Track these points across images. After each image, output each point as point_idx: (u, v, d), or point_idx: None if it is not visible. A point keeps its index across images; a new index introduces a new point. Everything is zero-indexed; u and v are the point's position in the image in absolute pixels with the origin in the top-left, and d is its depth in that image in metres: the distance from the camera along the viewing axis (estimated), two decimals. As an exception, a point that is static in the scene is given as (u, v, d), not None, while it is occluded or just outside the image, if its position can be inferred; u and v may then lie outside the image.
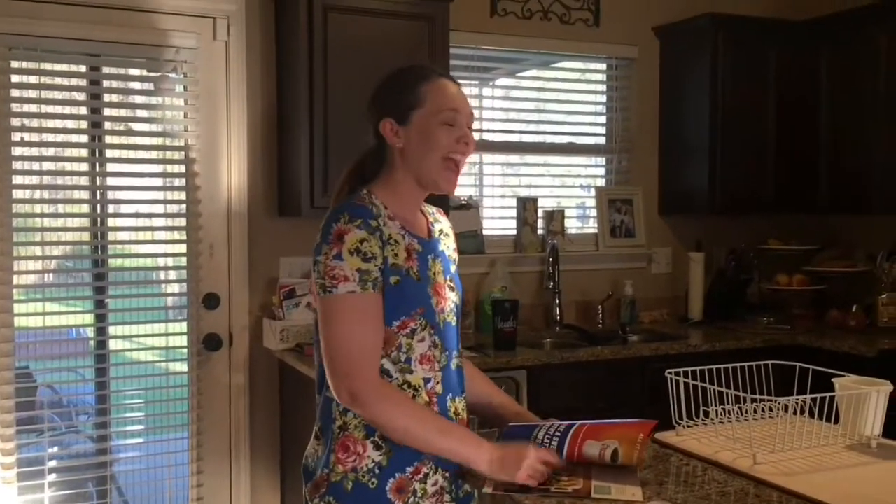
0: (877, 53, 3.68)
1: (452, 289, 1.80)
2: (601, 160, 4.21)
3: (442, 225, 1.88)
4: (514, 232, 3.90)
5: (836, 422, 1.90)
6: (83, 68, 3.18)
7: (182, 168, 3.28)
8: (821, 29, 3.92)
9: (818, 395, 1.85)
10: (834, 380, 1.91)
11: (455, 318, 1.80)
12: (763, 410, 1.99)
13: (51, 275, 3.28)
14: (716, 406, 1.91)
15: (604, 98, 4.18)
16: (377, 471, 1.66)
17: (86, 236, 3.24)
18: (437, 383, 1.72)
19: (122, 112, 3.29)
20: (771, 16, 4.08)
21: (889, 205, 3.67)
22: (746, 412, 1.93)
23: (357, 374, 1.62)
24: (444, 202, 3.29)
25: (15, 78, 3.03)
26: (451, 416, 1.74)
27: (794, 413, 1.92)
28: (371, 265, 1.63)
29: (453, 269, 1.85)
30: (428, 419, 1.65)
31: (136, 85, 3.32)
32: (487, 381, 1.97)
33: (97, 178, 3.19)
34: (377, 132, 1.75)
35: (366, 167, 1.80)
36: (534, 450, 1.63)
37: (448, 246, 1.86)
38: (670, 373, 1.92)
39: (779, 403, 1.89)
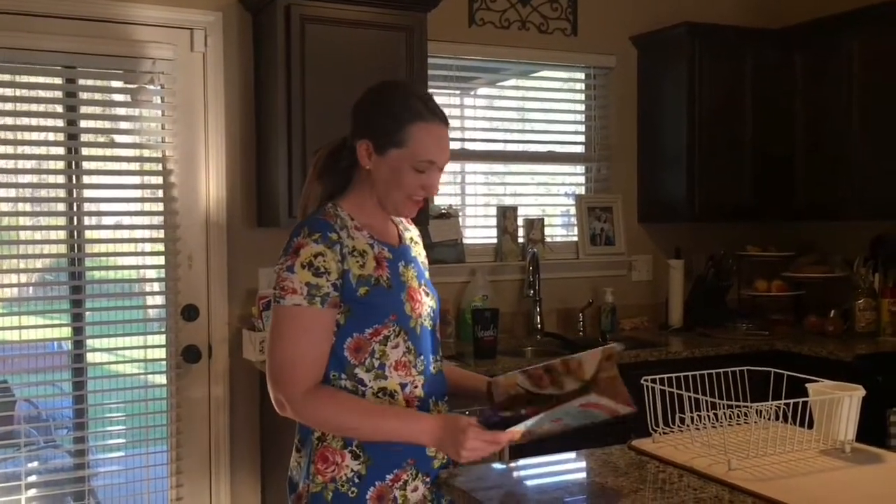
0: (850, 60, 3.72)
1: (427, 294, 1.81)
2: (581, 168, 4.23)
3: (412, 233, 1.90)
4: (495, 240, 3.91)
5: (811, 427, 1.91)
6: (59, 80, 3.17)
7: (160, 179, 3.27)
8: (796, 37, 3.97)
9: (791, 401, 1.87)
10: (808, 385, 1.92)
11: (432, 323, 1.81)
12: (738, 416, 2.00)
13: (28, 287, 3.25)
14: (692, 413, 1.91)
15: (582, 107, 4.20)
16: (356, 480, 1.67)
17: (63, 248, 3.21)
18: (417, 387, 1.73)
19: (100, 124, 3.28)
20: (746, 24, 4.13)
21: (865, 210, 3.71)
22: (721, 418, 1.94)
23: (285, 383, 1.65)
24: (423, 210, 3.30)
25: (-10, 90, 3.01)
26: None
27: (769, 419, 1.93)
28: (322, 280, 1.65)
29: (427, 275, 1.86)
30: (362, 408, 1.66)
31: (113, 97, 3.31)
32: (454, 368, 2.00)
33: (74, 190, 3.17)
34: (353, 144, 1.76)
35: (341, 163, 1.79)
36: (473, 431, 1.63)
37: (419, 253, 1.89)
38: (646, 380, 1.93)
39: (753, 409, 1.90)
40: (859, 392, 1.87)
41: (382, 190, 1.74)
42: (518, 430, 1.64)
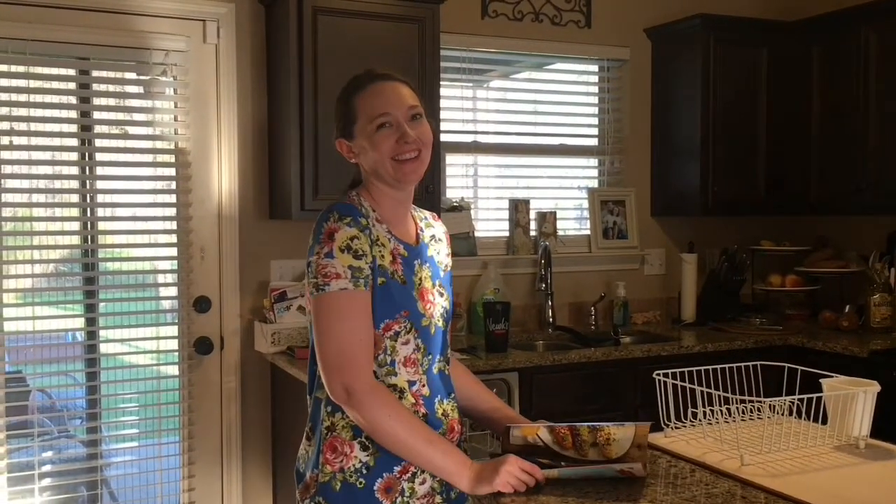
0: (867, 53, 3.68)
1: (442, 294, 1.80)
2: (594, 161, 4.21)
3: (434, 231, 1.88)
4: (507, 234, 3.90)
5: (825, 422, 1.89)
6: (73, 72, 3.18)
7: (172, 171, 3.27)
8: (811, 29, 3.93)
9: (805, 396, 1.85)
10: (822, 380, 1.91)
11: (444, 323, 1.79)
12: (751, 411, 1.99)
13: (42, 278, 3.27)
14: (705, 407, 1.90)
15: (596, 99, 4.18)
16: (364, 471, 1.66)
17: (76, 240, 3.23)
18: (424, 386, 1.72)
19: (113, 115, 3.29)
20: (762, 16, 4.09)
21: (880, 205, 3.68)
22: (734, 413, 1.92)
23: (351, 368, 1.62)
24: (435, 204, 3.30)
25: (4, 81, 3.02)
26: (438, 417, 1.73)
27: (783, 414, 1.92)
28: (362, 262, 1.64)
29: (443, 274, 1.84)
30: (416, 427, 1.64)
31: (126, 88, 3.31)
32: (479, 385, 1.96)
33: (87, 181, 3.18)
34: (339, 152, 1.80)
35: (356, 180, 1.83)
36: (514, 458, 1.63)
37: (439, 251, 1.86)
38: (658, 374, 1.92)
39: (766, 404, 1.89)
40: (874, 388, 1.85)
41: (373, 167, 1.73)
42: (554, 473, 1.65)
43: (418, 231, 1.82)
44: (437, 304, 1.77)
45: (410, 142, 1.70)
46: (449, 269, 1.88)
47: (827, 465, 1.75)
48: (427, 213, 1.90)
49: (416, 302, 1.71)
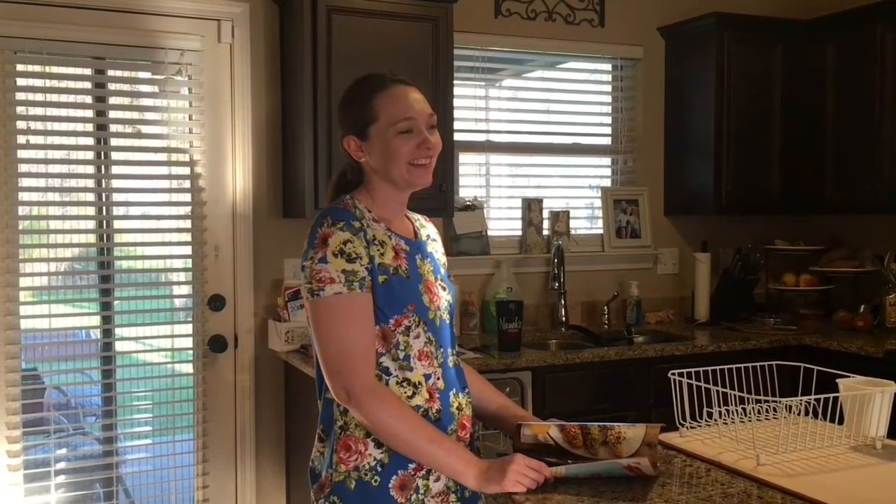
0: (882, 51, 3.66)
1: (444, 288, 1.82)
2: (607, 160, 4.20)
3: (428, 231, 1.90)
4: (520, 233, 3.90)
5: (841, 423, 1.89)
6: (88, 71, 3.20)
7: (187, 170, 3.29)
8: (826, 27, 3.91)
9: (822, 396, 1.85)
10: (838, 381, 1.90)
11: (449, 317, 1.81)
12: (767, 411, 1.98)
13: (57, 276, 3.29)
14: (720, 407, 1.90)
15: (609, 98, 4.17)
16: (379, 468, 1.67)
17: (91, 238, 3.25)
18: (439, 379, 1.73)
19: (128, 115, 3.30)
20: (776, 15, 4.07)
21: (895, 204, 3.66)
22: (750, 413, 1.92)
23: (350, 371, 1.64)
24: (448, 203, 3.30)
25: (21, 81, 3.04)
26: (453, 410, 1.74)
27: (799, 414, 1.91)
28: (356, 265, 1.66)
29: (443, 271, 1.86)
30: (419, 426, 1.65)
31: (141, 88, 3.33)
32: (486, 384, 1.97)
33: (103, 180, 3.20)
34: (345, 149, 1.79)
35: (347, 177, 1.85)
36: (521, 457, 1.63)
37: (436, 250, 1.89)
38: (673, 374, 1.92)
39: (782, 404, 1.88)
40: (891, 388, 1.84)
41: (384, 169, 1.74)
42: (561, 471, 1.65)
43: (415, 229, 1.85)
44: (442, 297, 1.79)
45: (431, 147, 1.73)
46: (446, 267, 1.90)
47: (843, 465, 1.75)
48: (419, 216, 1.92)
49: (421, 295, 1.72)
